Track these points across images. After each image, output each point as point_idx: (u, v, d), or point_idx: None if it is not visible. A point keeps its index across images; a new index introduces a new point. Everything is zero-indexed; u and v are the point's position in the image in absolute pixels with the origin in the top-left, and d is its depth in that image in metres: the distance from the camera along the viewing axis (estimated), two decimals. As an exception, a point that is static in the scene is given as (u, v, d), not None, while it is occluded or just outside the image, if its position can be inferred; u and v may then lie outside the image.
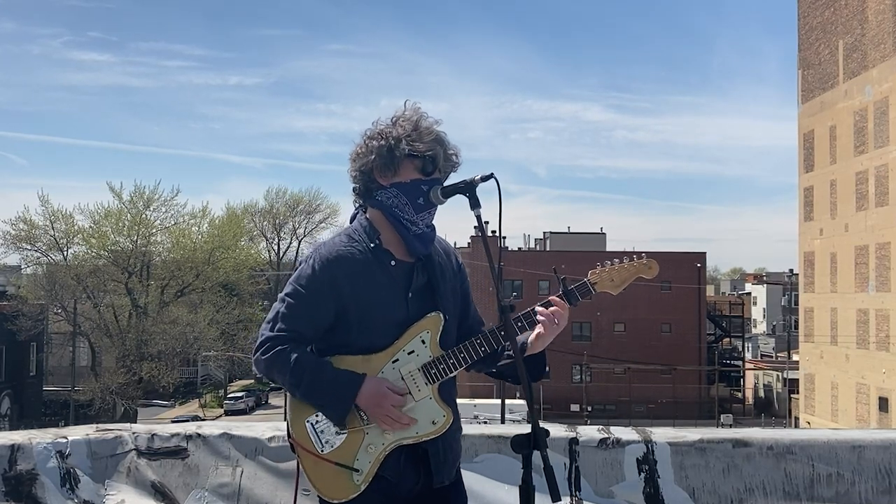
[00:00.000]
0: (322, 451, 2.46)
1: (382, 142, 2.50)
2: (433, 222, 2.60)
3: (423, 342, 2.51)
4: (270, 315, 2.52)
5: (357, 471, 2.45)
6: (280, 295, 2.54)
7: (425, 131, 2.50)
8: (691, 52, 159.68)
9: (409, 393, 2.48)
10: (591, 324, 51.94)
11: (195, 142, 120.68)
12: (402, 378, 2.49)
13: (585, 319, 51.70)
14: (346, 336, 2.50)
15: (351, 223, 2.64)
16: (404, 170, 2.51)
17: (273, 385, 44.91)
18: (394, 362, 2.50)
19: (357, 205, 2.64)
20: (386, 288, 2.51)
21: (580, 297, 2.57)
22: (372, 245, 2.52)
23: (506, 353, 2.60)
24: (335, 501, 2.46)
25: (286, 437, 2.57)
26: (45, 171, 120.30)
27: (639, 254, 2.62)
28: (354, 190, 2.61)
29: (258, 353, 2.48)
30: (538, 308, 2.56)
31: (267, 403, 54.96)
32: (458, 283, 2.69)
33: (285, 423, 2.58)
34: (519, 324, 2.55)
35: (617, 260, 2.60)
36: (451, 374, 2.53)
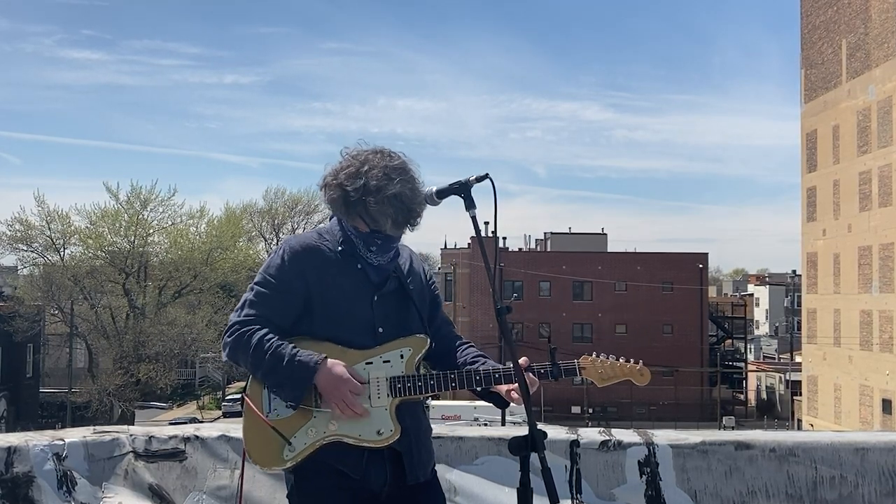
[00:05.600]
0: (268, 416, 2.51)
1: (339, 194, 2.55)
2: (400, 243, 2.67)
3: (402, 357, 2.56)
4: (238, 304, 2.57)
5: (291, 445, 2.48)
6: (249, 286, 2.60)
7: (375, 203, 2.51)
8: (692, 50, 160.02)
9: (369, 397, 2.50)
10: (593, 325, 51.95)
11: (191, 141, 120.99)
12: (368, 381, 2.52)
13: (586, 321, 51.74)
14: (310, 325, 2.54)
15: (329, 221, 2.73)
16: (358, 223, 2.58)
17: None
18: (367, 364, 2.53)
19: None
20: (351, 287, 2.56)
21: (563, 376, 2.61)
22: (339, 248, 2.59)
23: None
24: (257, 468, 2.55)
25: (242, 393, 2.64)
26: (39, 170, 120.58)
27: (635, 360, 2.65)
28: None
29: (225, 337, 2.54)
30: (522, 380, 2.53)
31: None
32: (426, 291, 2.76)
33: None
34: (496, 375, 2.58)
35: (613, 357, 2.64)
36: (414, 396, 2.55)
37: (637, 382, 2.64)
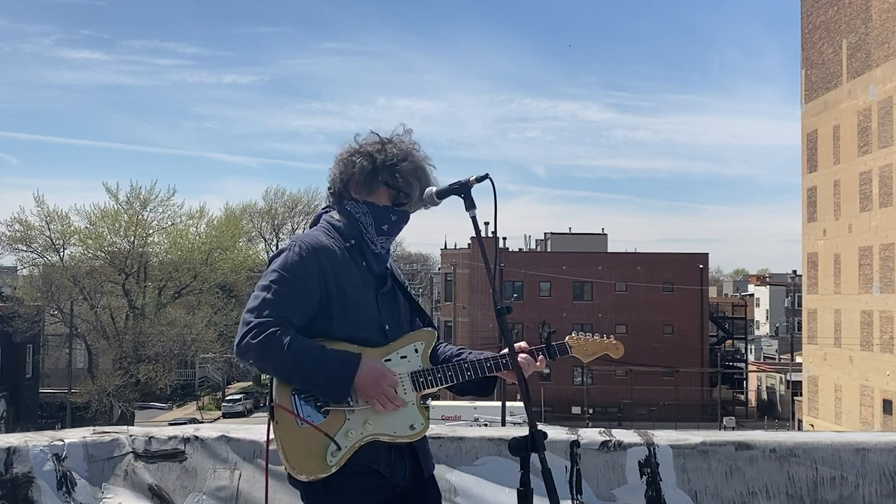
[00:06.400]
0: (301, 426, 2.44)
1: (366, 162, 2.57)
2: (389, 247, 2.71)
3: (416, 351, 2.59)
4: (254, 304, 2.46)
5: (339, 449, 2.43)
6: (262, 283, 2.50)
7: (409, 167, 2.57)
8: (692, 49, 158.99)
9: (395, 393, 2.52)
10: (593, 325, 51.88)
11: (190, 141, 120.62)
12: None
13: (587, 321, 51.69)
14: (327, 325, 2.52)
15: (314, 225, 2.69)
16: (379, 194, 2.59)
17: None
18: (385, 360, 2.54)
19: (326, 203, 2.73)
20: (361, 284, 2.57)
21: (558, 355, 2.75)
22: (347, 244, 2.59)
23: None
24: (301, 477, 2.44)
25: (268, 404, 2.53)
26: (38, 170, 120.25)
27: (607, 335, 2.86)
28: (329, 189, 2.69)
29: (247, 339, 2.39)
30: (521, 356, 2.66)
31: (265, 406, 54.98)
32: (408, 295, 2.80)
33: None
34: (503, 361, 2.64)
35: (589, 334, 2.85)
36: (436, 388, 2.60)
37: (613, 355, 2.84)
